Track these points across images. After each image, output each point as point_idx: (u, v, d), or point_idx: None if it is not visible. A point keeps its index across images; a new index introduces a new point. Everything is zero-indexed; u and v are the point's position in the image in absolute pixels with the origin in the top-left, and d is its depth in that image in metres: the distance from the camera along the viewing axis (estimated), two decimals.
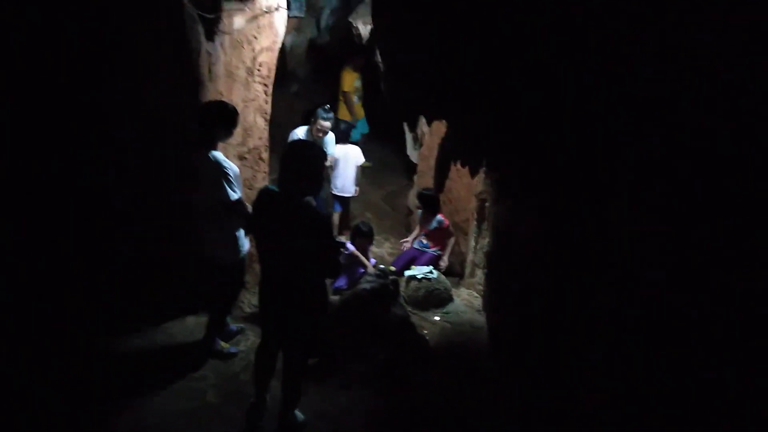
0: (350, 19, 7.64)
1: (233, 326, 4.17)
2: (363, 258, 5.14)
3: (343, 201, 6.13)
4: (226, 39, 4.15)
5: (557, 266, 2.73)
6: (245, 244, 3.67)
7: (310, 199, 2.85)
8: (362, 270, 5.20)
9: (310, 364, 3.54)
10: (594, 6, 2.08)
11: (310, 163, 2.81)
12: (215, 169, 3.37)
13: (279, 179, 2.83)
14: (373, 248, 6.17)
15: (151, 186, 3.97)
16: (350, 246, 5.12)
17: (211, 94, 4.00)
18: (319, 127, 5.33)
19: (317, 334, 3.07)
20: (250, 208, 3.62)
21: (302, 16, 5.77)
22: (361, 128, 7.45)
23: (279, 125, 5.68)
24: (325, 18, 8.43)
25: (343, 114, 7.40)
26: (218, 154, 3.44)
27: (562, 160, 2.67)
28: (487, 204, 4.61)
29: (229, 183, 3.38)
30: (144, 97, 3.81)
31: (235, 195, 3.40)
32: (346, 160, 5.98)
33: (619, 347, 2.11)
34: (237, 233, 3.59)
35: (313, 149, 2.93)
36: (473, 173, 3.77)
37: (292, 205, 2.79)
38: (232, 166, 3.48)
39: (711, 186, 1.60)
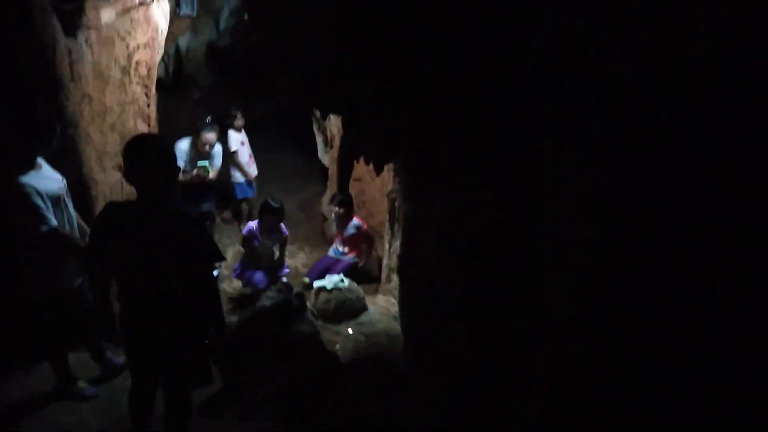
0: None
1: (118, 358, 3.67)
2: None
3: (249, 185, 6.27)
4: (93, 35, 3.66)
5: (465, 260, 2.49)
6: (71, 280, 3.21)
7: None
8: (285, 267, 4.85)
9: (203, 397, 3.13)
10: None
11: (165, 155, 2.36)
12: (18, 195, 2.89)
13: (135, 185, 2.37)
14: (287, 259, 5.80)
15: None
16: (252, 226, 4.76)
17: (75, 97, 3.50)
18: (203, 140, 5.06)
19: (201, 363, 2.64)
20: (86, 234, 3.25)
21: (193, 15, 5.30)
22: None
23: (183, 135, 5.25)
24: (225, 19, 7.93)
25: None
26: (24, 177, 2.92)
27: (465, 145, 2.43)
28: (397, 203, 4.35)
29: (36, 213, 2.90)
30: None
31: (43, 227, 2.93)
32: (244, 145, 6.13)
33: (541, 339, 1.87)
34: (62, 265, 3.14)
35: (160, 139, 2.45)
36: (378, 170, 3.48)
37: (158, 213, 2.35)
38: (45, 187, 2.98)
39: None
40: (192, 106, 8.18)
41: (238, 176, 6.17)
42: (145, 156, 2.29)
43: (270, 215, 4.68)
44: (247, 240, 4.74)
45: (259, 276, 4.71)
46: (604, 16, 1.50)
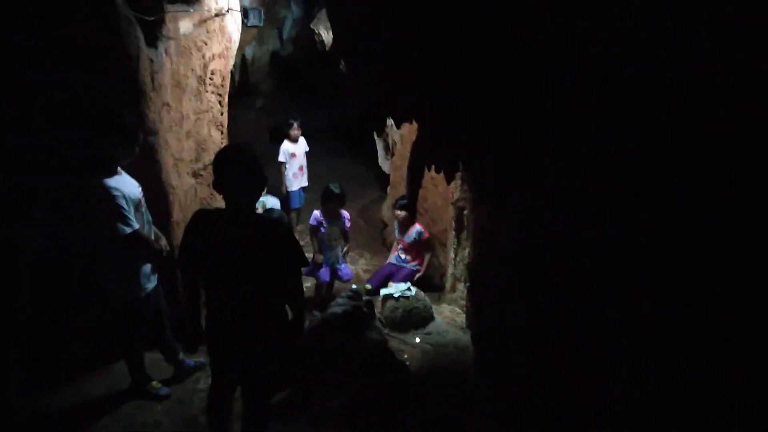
0: (312, 26, 7.32)
1: (190, 360, 3.76)
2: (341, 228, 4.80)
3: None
4: (172, 45, 3.77)
5: (540, 275, 2.40)
6: (147, 283, 3.29)
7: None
8: (343, 256, 4.86)
9: (275, 401, 3.14)
10: None
11: (253, 167, 2.41)
12: (104, 198, 2.98)
13: (224, 193, 2.43)
14: (349, 264, 5.82)
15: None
16: (317, 215, 4.80)
17: (155, 105, 3.61)
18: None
19: (281, 368, 2.65)
20: (160, 239, 3.39)
21: (260, 25, 5.41)
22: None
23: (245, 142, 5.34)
24: (288, 28, 8.09)
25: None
26: (110, 181, 3.03)
27: (539, 154, 2.35)
28: (465, 212, 4.28)
29: (121, 215, 3.00)
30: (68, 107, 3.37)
31: (127, 229, 3.01)
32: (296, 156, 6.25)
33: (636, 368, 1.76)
34: (137, 269, 3.22)
35: (249, 150, 2.51)
36: (449, 178, 3.43)
37: (245, 220, 2.40)
38: (128, 191, 3.08)
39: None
40: (255, 114, 8.38)
41: (289, 185, 6.24)
42: (236, 166, 2.34)
43: (331, 201, 4.70)
44: (315, 229, 4.78)
45: (323, 271, 4.74)
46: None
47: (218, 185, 2.41)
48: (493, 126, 2.60)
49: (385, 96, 2.97)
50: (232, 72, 7.69)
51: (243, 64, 7.90)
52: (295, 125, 6.20)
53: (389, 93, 2.91)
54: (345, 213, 4.87)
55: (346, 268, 4.99)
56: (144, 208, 3.27)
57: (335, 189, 4.72)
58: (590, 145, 1.86)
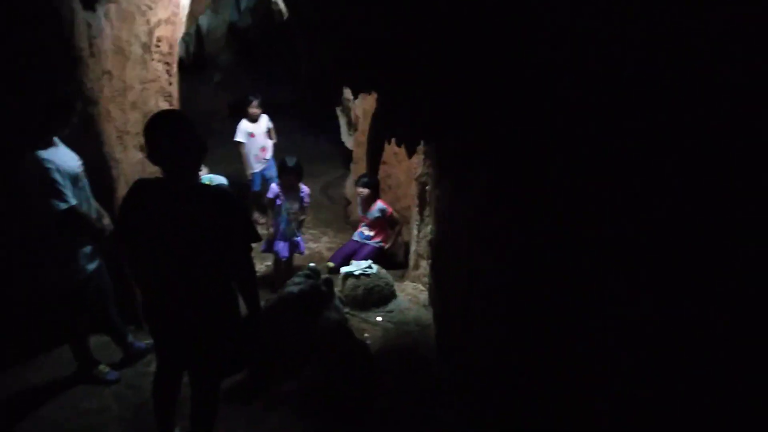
0: None
1: (140, 343, 3.58)
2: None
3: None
4: (112, 8, 3.49)
5: (509, 253, 2.29)
6: (88, 263, 3.08)
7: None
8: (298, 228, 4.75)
9: (230, 384, 3.01)
10: None
11: (186, 130, 2.21)
12: (36, 172, 2.75)
13: (160, 164, 2.24)
14: (310, 243, 5.67)
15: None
16: (274, 188, 4.68)
17: (94, 73, 3.35)
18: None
19: (232, 351, 2.50)
20: (104, 217, 3.17)
21: None
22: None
23: (204, 118, 5.11)
24: None
25: None
26: (44, 153, 2.79)
27: (509, 124, 2.23)
28: (428, 187, 4.16)
29: (55, 189, 2.77)
30: None
31: (62, 204, 2.78)
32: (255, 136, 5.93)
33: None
34: (76, 249, 3.01)
35: (180, 114, 2.32)
36: (410, 152, 3.29)
37: (186, 190, 2.21)
38: (64, 164, 2.85)
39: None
40: (213, 89, 8.06)
41: (251, 167, 5.91)
42: (167, 131, 2.15)
43: (285, 174, 4.57)
44: (271, 202, 4.66)
45: (281, 246, 4.61)
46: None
47: (153, 156, 2.22)
48: (457, 96, 2.46)
49: (341, 63, 2.80)
50: (186, 42, 7.37)
51: (198, 35, 7.54)
52: (255, 103, 5.82)
53: (345, 60, 2.74)
54: (304, 188, 4.71)
55: (301, 241, 4.86)
56: (84, 183, 3.04)
57: (289, 162, 4.58)
58: (569, 115, 1.74)
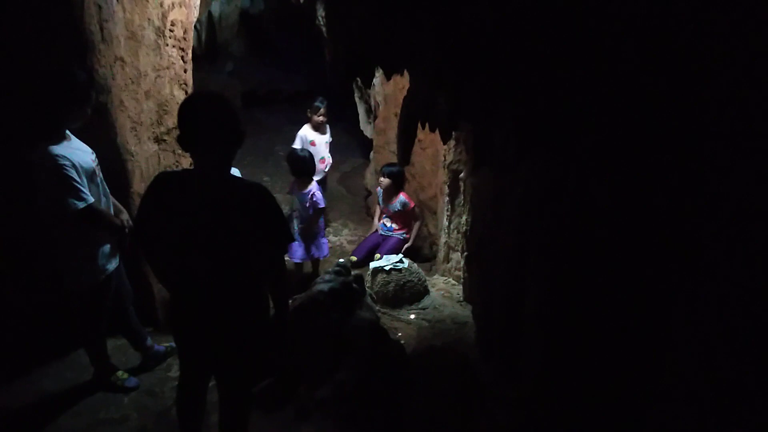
0: None
1: (160, 346, 3.41)
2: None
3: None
4: None
5: (556, 249, 2.06)
6: (109, 261, 2.89)
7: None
8: (323, 236, 4.49)
9: (257, 391, 2.80)
10: None
11: (227, 115, 1.99)
12: (51, 169, 2.55)
13: (191, 150, 2.03)
14: (330, 237, 5.44)
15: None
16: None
17: (106, 60, 3.14)
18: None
19: (261, 356, 2.29)
20: (121, 212, 2.99)
21: None
22: None
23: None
24: None
25: None
26: (57, 148, 2.58)
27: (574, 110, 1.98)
28: (461, 176, 3.91)
29: (72, 187, 2.56)
30: None
31: (80, 203, 2.58)
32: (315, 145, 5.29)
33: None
34: (95, 249, 2.82)
35: (221, 97, 2.09)
36: (446, 137, 3.04)
37: (218, 183, 1.99)
38: (81, 161, 2.66)
39: None
40: (226, 78, 7.83)
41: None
42: (205, 116, 1.93)
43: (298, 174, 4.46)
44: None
45: (294, 246, 4.34)
46: None
47: (185, 141, 1.98)
48: (510, 77, 2.21)
49: (377, 40, 2.55)
50: (197, 30, 7.14)
51: (210, 23, 7.30)
52: (322, 110, 5.19)
53: (381, 36, 2.50)
54: (317, 189, 4.44)
55: (322, 246, 4.58)
56: (100, 179, 2.84)
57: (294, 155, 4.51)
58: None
